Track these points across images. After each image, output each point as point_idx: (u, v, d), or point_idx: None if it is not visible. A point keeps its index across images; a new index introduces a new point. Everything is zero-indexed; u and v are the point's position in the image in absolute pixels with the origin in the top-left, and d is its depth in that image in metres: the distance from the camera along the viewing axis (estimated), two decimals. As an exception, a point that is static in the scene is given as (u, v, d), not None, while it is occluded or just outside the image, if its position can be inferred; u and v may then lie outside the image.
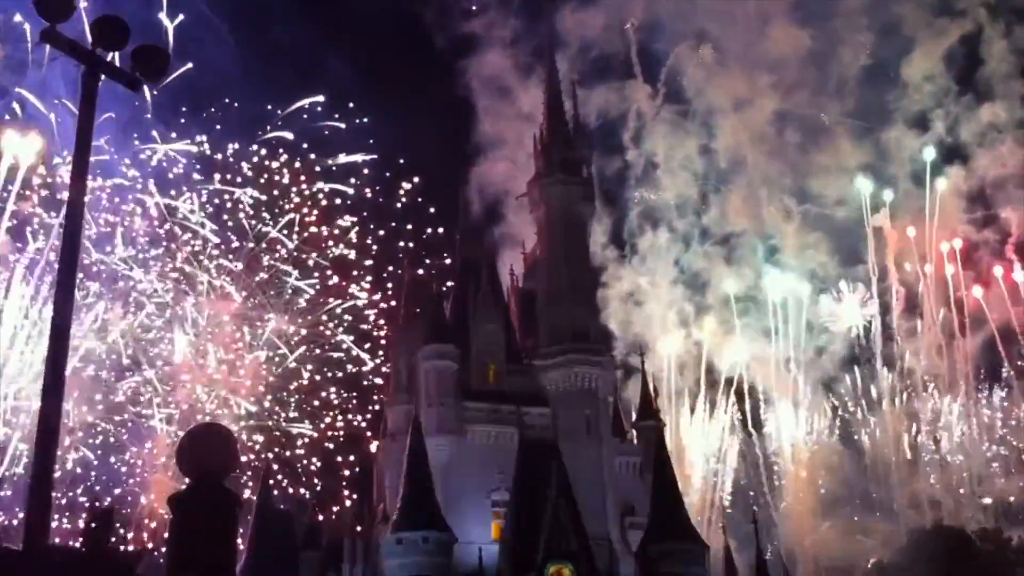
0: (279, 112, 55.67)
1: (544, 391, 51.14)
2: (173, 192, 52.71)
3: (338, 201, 56.06)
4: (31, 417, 43.06)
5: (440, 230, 56.49)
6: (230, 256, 53.52)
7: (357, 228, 55.48)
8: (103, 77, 10.74)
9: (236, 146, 54.80)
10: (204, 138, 53.31)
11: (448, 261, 55.19)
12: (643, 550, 45.65)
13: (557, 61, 60.92)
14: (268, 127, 55.57)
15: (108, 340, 49.81)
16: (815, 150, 71.01)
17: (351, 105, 58.12)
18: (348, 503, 50.35)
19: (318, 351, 54.73)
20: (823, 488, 64.26)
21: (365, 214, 56.24)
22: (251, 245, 53.68)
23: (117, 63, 11.27)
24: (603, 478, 49.42)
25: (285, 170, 55.16)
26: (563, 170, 55.42)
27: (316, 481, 52.90)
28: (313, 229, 55.14)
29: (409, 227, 55.82)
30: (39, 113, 47.43)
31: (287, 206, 55.04)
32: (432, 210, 61.49)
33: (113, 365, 50.63)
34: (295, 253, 54.71)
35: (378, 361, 54.47)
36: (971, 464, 66.34)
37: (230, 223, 53.75)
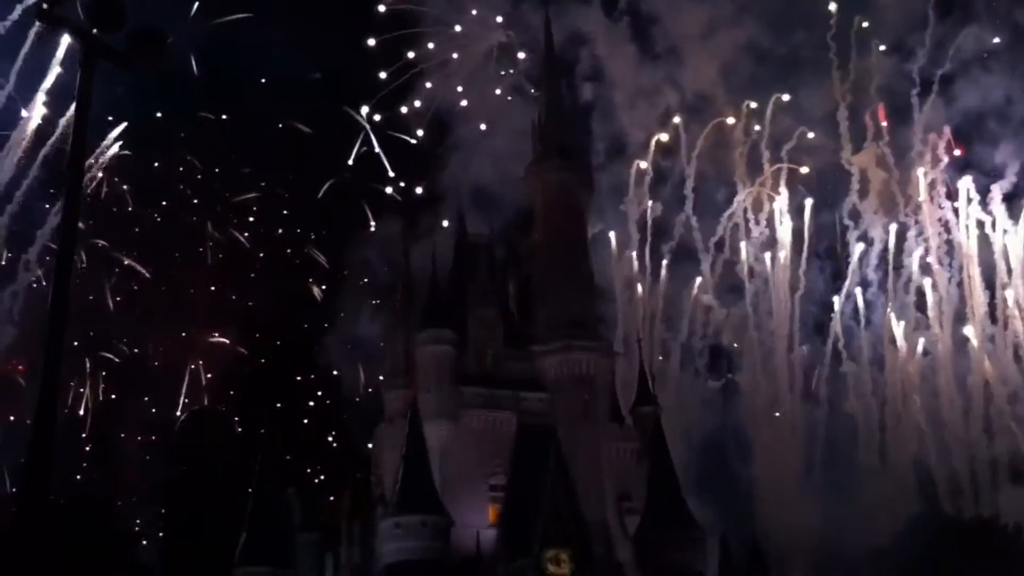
0: None
1: (542, 376, 51.20)
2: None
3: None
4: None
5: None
6: None
7: None
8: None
9: None
10: None
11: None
12: (640, 535, 45.89)
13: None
14: None
15: None
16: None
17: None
18: (346, 487, 50.43)
19: None
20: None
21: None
22: None
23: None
24: (600, 463, 49.53)
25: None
26: (560, 155, 55.40)
27: (314, 464, 53.08)
28: None
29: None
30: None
31: None
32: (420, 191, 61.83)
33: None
34: None
35: None
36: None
37: None
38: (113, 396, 68.44)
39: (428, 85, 67.53)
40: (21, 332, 57.04)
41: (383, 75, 67.82)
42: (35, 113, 56.32)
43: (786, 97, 68.11)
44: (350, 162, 71.03)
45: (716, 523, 49.03)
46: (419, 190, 67.58)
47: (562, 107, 57.60)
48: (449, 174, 60.97)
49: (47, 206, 61.27)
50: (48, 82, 55.33)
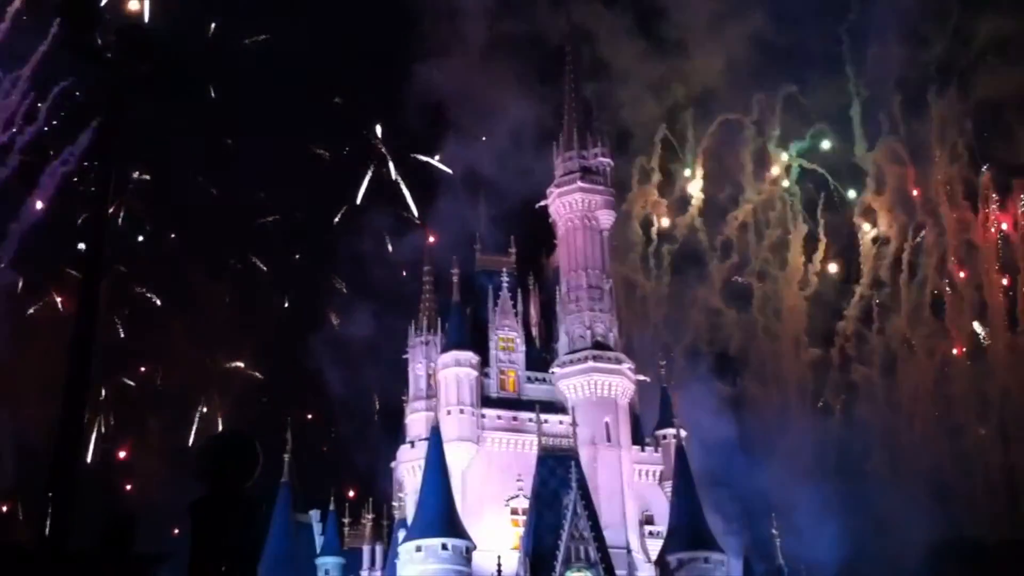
0: None
1: (563, 399, 51.10)
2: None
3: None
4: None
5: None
6: None
7: None
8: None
9: None
10: None
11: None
12: (662, 559, 45.53)
13: None
14: None
15: None
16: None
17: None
18: (367, 510, 50.28)
19: None
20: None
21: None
22: None
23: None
24: (622, 486, 49.29)
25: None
26: (583, 177, 55.42)
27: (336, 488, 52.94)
28: None
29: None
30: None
31: None
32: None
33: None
34: None
35: None
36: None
37: None
38: (129, 421, 68.80)
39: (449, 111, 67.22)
40: None
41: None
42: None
43: (794, 90, 66.61)
44: (363, 186, 70.70)
45: (737, 543, 48.51)
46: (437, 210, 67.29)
47: (585, 129, 57.44)
48: (468, 195, 60.91)
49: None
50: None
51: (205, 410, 71.14)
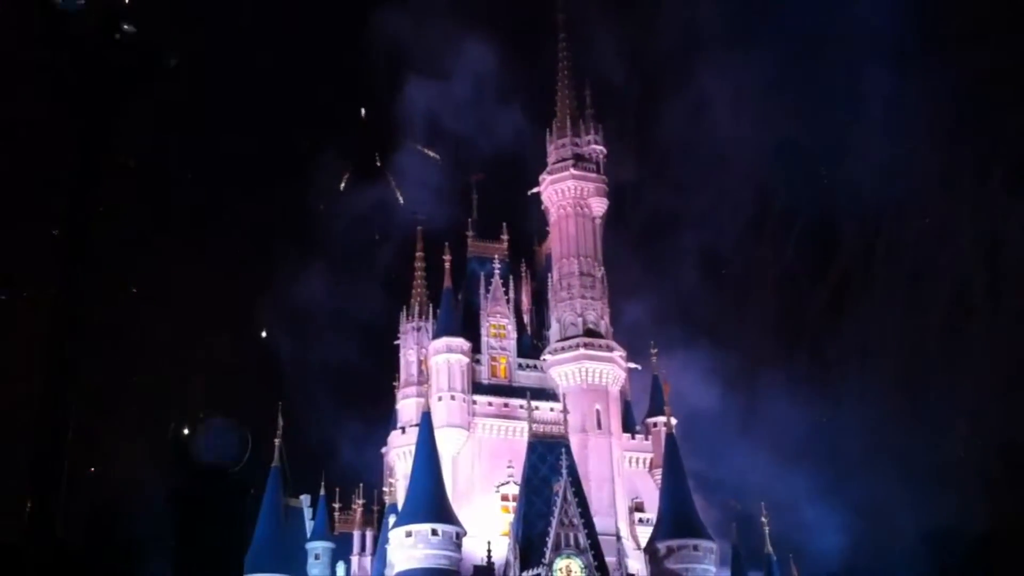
0: None
1: (554, 386, 51.19)
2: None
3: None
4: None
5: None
6: None
7: None
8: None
9: None
10: None
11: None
12: (651, 546, 45.71)
13: None
14: None
15: None
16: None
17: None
18: (358, 495, 50.33)
19: None
20: None
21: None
22: None
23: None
24: (612, 473, 49.44)
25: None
26: (576, 165, 55.35)
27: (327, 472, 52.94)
28: None
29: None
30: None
31: None
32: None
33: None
34: None
35: None
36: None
37: None
38: (111, 408, 68.21)
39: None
40: None
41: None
42: None
43: None
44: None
45: (726, 529, 48.58)
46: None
47: (578, 115, 57.31)
48: (462, 183, 60.71)
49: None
50: None
51: (191, 396, 70.68)
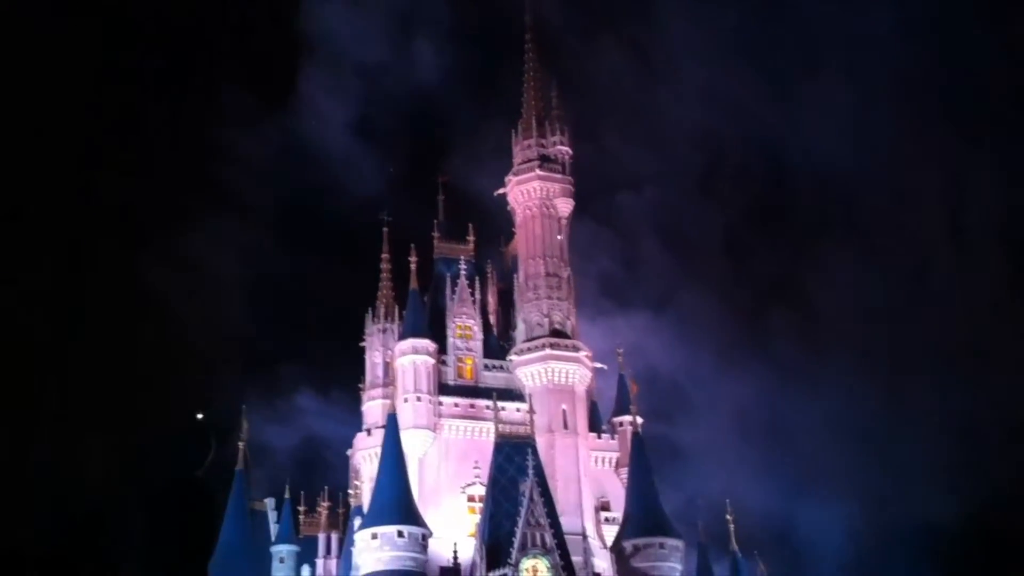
0: None
1: (521, 386, 51.20)
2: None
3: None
4: None
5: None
6: None
7: None
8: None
9: None
10: None
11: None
12: (618, 545, 45.83)
13: None
14: None
15: None
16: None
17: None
18: (323, 498, 50.03)
19: None
20: None
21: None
22: None
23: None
24: (579, 473, 49.51)
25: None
26: (542, 166, 55.39)
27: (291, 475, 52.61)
28: None
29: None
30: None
31: None
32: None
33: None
34: None
35: None
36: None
37: None
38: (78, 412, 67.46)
39: None
40: None
41: None
42: None
43: None
44: None
45: (692, 529, 48.78)
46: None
47: (544, 116, 57.33)
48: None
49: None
50: None
51: (159, 397, 70.00)
